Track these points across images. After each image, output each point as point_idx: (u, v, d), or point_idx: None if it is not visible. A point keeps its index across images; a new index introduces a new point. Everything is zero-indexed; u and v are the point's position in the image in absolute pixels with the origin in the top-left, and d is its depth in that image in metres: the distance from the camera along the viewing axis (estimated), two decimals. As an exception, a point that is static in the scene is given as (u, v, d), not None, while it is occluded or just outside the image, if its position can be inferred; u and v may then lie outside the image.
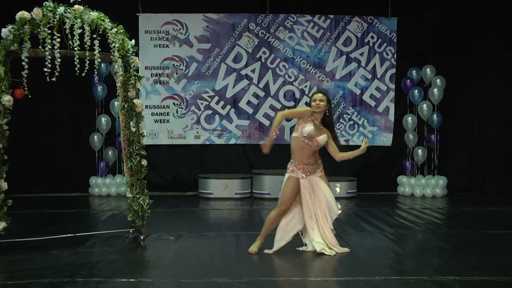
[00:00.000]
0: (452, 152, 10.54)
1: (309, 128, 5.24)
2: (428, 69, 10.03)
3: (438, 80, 9.96)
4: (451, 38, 10.24)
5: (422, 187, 10.03)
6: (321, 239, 5.33)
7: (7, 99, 5.19)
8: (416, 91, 10.04)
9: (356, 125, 10.50)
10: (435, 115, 10.02)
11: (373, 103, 10.49)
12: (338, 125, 10.45)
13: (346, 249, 5.42)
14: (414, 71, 10.14)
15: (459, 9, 10.09)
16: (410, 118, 10.15)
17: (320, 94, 5.34)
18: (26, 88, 5.26)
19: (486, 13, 10.00)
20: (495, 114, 10.36)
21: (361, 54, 10.45)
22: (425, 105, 9.98)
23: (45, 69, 5.18)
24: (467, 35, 10.20)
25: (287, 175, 5.37)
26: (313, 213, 5.36)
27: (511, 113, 10.21)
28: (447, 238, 6.37)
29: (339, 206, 5.54)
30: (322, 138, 5.29)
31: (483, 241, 6.15)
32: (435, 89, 9.94)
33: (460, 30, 10.18)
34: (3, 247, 5.41)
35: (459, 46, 10.27)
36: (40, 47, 5.26)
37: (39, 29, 5.16)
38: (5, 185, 5.31)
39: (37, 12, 5.09)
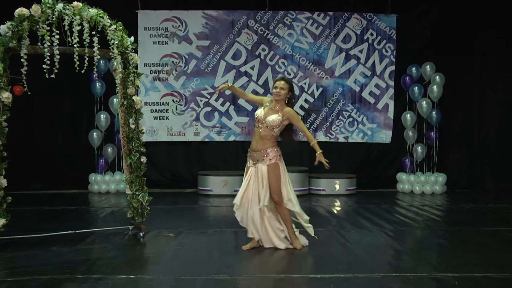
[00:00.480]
0: (451, 149, 10.55)
1: (257, 112, 5.33)
2: (428, 66, 10.03)
3: (438, 77, 9.96)
4: (451, 35, 10.22)
5: (421, 184, 10.05)
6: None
7: (6, 96, 5.19)
8: (416, 88, 10.05)
9: (355, 122, 10.50)
10: (434, 112, 10.03)
11: (372, 100, 10.48)
12: (338, 122, 10.45)
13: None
14: (414, 68, 10.14)
15: (459, 6, 10.07)
16: (409, 115, 10.16)
17: (282, 82, 5.25)
18: (25, 85, 5.26)
19: (486, 9, 9.97)
20: (494, 111, 10.35)
21: (361, 51, 10.43)
22: (424, 102, 9.98)
23: (44, 66, 5.18)
24: (467, 32, 10.17)
25: None
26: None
27: (511, 111, 10.20)
28: (446, 235, 6.39)
29: (265, 204, 5.26)
30: (271, 117, 5.17)
31: (482, 238, 6.16)
32: (435, 86, 9.94)
33: (460, 26, 10.16)
34: (3, 244, 5.42)
35: (459, 43, 10.25)
36: (39, 44, 5.26)
37: (38, 26, 5.16)
38: (4, 182, 5.31)
39: (36, 8, 5.08)
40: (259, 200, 5.24)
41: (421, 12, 10.40)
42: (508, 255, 5.32)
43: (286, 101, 5.26)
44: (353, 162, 10.58)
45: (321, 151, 5.18)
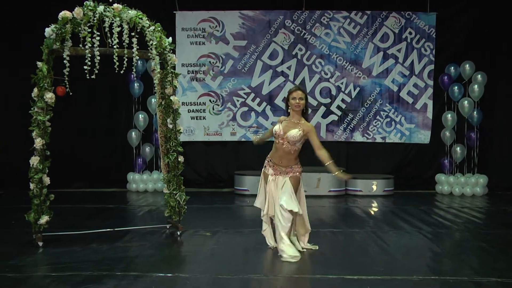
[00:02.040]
0: (493, 150, 10.31)
1: (276, 127, 5.18)
2: (467, 65, 9.82)
3: (479, 76, 9.74)
4: (492, 32, 9.98)
5: (461, 186, 9.85)
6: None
7: (50, 96, 5.33)
8: (456, 87, 9.85)
9: (393, 122, 10.37)
10: (475, 112, 9.82)
11: (410, 100, 10.33)
12: (375, 122, 10.34)
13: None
14: (452, 67, 9.95)
15: (500, 2, 9.82)
16: (450, 115, 9.96)
17: (299, 92, 5.11)
18: (67, 86, 5.38)
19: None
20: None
21: (399, 50, 10.30)
22: (466, 102, 9.78)
23: (85, 67, 5.29)
24: (509, 29, 9.91)
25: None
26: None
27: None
28: (487, 238, 6.23)
29: (277, 210, 5.10)
30: (292, 132, 5.04)
31: (525, 242, 6.01)
32: (475, 86, 9.73)
33: (502, 24, 9.91)
34: (46, 240, 5.56)
35: (501, 41, 10.00)
36: (80, 45, 5.37)
37: (80, 28, 5.27)
38: (47, 180, 5.46)
39: (78, 11, 5.20)
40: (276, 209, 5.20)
41: (461, 9, 10.20)
42: (552, 260, 5.17)
43: (304, 110, 5.18)
44: (391, 163, 10.46)
45: (338, 170, 5.06)
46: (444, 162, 10.13)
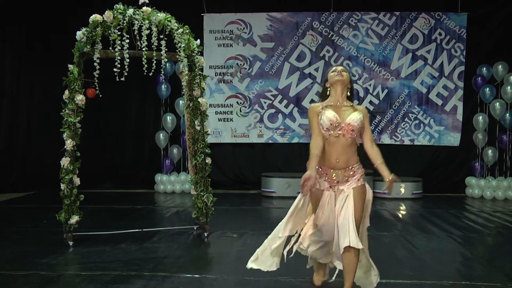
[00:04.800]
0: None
1: (327, 115, 3.77)
2: (500, 66, 9.65)
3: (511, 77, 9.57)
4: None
5: (492, 189, 9.67)
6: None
7: (80, 98, 5.42)
8: (488, 89, 9.68)
9: (421, 125, 10.24)
10: (507, 114, 9.63)
11: (440, 102, 10.19)
12: (403, 125, 10.23)
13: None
14: (485, 68, 9.79)
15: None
16: (481, 117, 9.80)
17: (338, 66, 3.94)
18: (97, 88, 5.46)
19: None
20: None
21: (428, 52, 10.17)
22: (498, 103, 9.61)
23: (115, 70, 5.36)
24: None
25: None
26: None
27: None
28: (520, 243, 6.12)
29: (353, 240, 3.62)
30: (353, 116, 3.77)
31: (559, 247, 5.87)
32: (508, 87, 9.55)
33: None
34: (77, 239, 5.66)
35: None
36: (110, 48, 5.45)
37: (109, 31, 5.35)
38: (77, 181, 5.55)
39: (108, 14, 5.28)
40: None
41: (493, 9, 10.02)
42: None
43: (348, 91, 3.92)
44: (419, 166, 10.33)
45: (390, 174, 3.78)
46: (475, 165, 9.96)
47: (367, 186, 3.89)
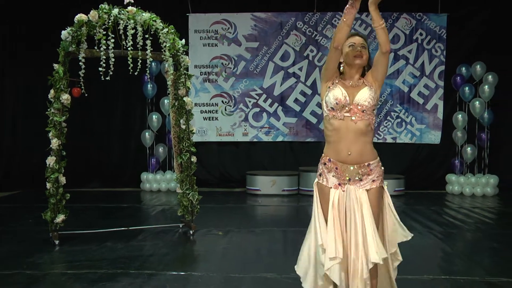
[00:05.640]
0: (503, 150, 10.20)
1: (335, 92, 3.05)
2: (478, 65, 9.75)
3: (490, 76, 9.67)
4: (503, 34, 9.88)
5: (471, 186, 9.78)
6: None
7: (66, 97, 5.37)
8: (467, 88, 9.78)
9: (403, 123, 10.32)
10: (486, 113, 9.74)
11: (421, 101, 10.28)
12: (386, 123, 10.30)
13: None
14: (464, 68, 9.89)
15: (511, 4, 9.74)
16: (460, 115, 9.90)
17: (360, 38, 3.13)
18: (82, 87, 5.43)
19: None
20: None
21: (409, 51, 10.25)
22: (477, 102, 9.71)
23: (100, 69, 5.33)
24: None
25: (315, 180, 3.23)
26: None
27: None
28: (499, 238, 6.19)
29: (384, 255, 3.01)
30: (362, 94, 3.03)
31: (537, 242, 5.96)
32: (486, 86, 9.66)
33: (512, 25, 9.84)
34: (62, 238, 5.61)
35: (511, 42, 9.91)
36: (95, 47, 5.41)
37: (95, 31, 5.30)
38: (63, 180, 5.51)
39: (93, 14, 5.24)
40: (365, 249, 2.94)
41: (473, 10, 10.11)
42: None
43: (365, 67, 3.16)
44: (402, 163, 10.39)
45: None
46: (455, 162, 10.06)
47: (386, 190, 3.13)
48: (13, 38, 9.92)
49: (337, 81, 3.10)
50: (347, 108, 3.00)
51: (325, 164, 3.11)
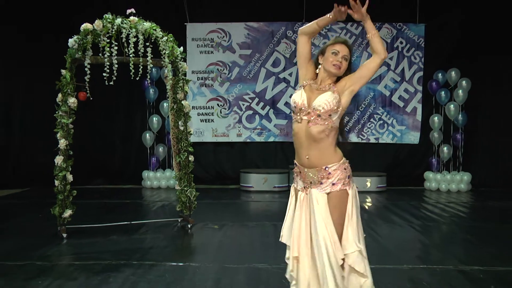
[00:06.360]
0: (476, 150, 10.27)
1: (294, 96, 2.92)
2: (453, 72, 9.81)
3: (464, 82, 9.73)
4: (476, 42, 9.94)
5: (447, 183, 9.84)
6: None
7: (72, 101, 5.37)
8: (443, 92, 9.85)
9: (385, 125, 10.37)
10: (460, 115, 9.81)
11: (401, 104, 10.33)
12: (369, 124, 10.34)
13: None
14: (440, 74, 9.94)
15: (483, 16, 9.79)
16: (436, 118, 9.96)
17: (345, 47, 2.92)
18: (88, 91, 5.42)
19: (509, 21, 9.67)
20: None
21: (391, 58, 10.29)
22: (452, 105, 9.78)
23: (104, 74, 5.32)
24: (493, 40, 9.87)
25: None
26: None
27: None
28: (471, 230, 6.24)
29: (339, 257, 2.76)
30: (321, 99, 2.81)
31: (506, 234, 6.01)
32: (460, 91, 9.73)
33: (484, 35, 9.87)
34: (70, 232, 5.60)
35: (483, 50, 9.96)
36: (100, 54, 5.40)
37: (99, 39, 5.29)
38: (70, 177, 5.50)
39: (98, 23, 5.23)
40: (324, 253, 2.74)
41: (447, 21, 10.15)
42: (531, 250, 5.17)
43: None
44: (384, 162, 10.44)
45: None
46: (432, 161, 10.12)
47: (351, 192, 2.83)
48: (22, 38, 9.73)
49: (305, 83, 2.94)
50: (305, 112, 2.83)
51: (293, 168, 3.01)
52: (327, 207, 2.77)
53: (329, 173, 2.80)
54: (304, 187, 2.89)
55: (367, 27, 2.83)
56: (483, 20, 9.82)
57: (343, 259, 2.77)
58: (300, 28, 2.97)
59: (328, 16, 2.86)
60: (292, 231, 2.94)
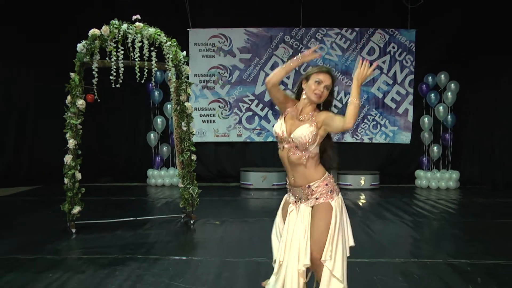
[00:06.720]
0: (464, 149, 10.28)
1: (275, 126, 2.99)
2: (443, 75, 9.82)
3: (453, 84, 9.75)
4: (464, 48, 9.95)
5: (437, 180, 9.85)
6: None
7: (81, 103, 5.37)
8: (433, 94, 9.86)
9: (378, 125, 10.37)
10: (449, 116, 9.82)
11: (393, 106, 10.33)
12: (363, 125, 10.34)
13: None
14: (430, 77, 9.95)
15: (471, 22, 9.80)
16: (426, 118, 9.98)
17: (328, 76, 2.87)
18: (96, 94, 5.42)
19: (496, 26, 9.68)
20: (504, 115, 10.03)
21: (384, 62, 10.29)
22: (441, 107, 9.79)
23: (111, 77, 5.32)
24: (480, 44, 9.88)
25: None
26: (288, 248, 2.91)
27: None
28: (460, 226, 6.26)
29: (305, 263, 2.80)
30: (299, 131, 2.82)
31: (493, 229, 6.02)
32: (449, 93, 9.75)
33: (473, 40, 9.88)
34: (78, 227, 5.61)
35: (471, 55, 9.97)
36: (107, 58, 5.41)
37: (106, 43, 5.31)
38: (79, 176, 5.50)
39: (105, 29, 5.24)
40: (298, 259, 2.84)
41: (437, 27, 10.15)
42: (517, 245, 5.19)
43: (321, 107, 2.95)
44: (377, 161, 10.45)
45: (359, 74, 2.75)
46: (423, 159, 10.13)
47: (334, 203, 2.87)
48: (31, 38, 9.57)
49: (287, 112, 2.96)
50: (285, 141, 2.88)
51: (287, 186, 3.05)
52: (309, 219, 2.84)
53: (312, 190, 2.86)
54: (295, 201, 2.95)
55: (354, 91, 2.69)
56: (471, 26, 9.82)
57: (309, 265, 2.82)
58: (267, 80, 2.90)
59: (296, 58, 2.86)
60: (280, 238, 3.02)
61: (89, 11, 9.18)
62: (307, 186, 2.86)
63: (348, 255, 2.95)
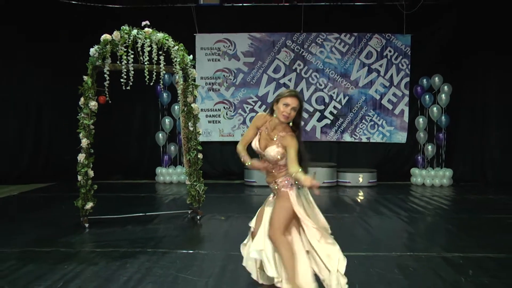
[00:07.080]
0: (457, 148, 10.25)
1: (253, 142, 3.42)
2: (436, 78, 9.81)
3: (446, 87, 9.73)
4: (458, 51, 9.92)
5: (431, 178, 9.83)
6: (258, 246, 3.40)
7: (93, 104, 5.40)
8: (427, 96, 9.84)
9: (376, 125, 10.36)
10: (443, 117, 9.81)
11: (390, 107, 10.32)
12: (361, 125, 10.33)
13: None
14: (424, 79, 9.94)
15: (464, 27, 9.79)
16: (421, 119, 9.97)
17: (296, 100, 3.15)
18: (107, 95, 5.44)
19: (487, 32, 9.67)
20: (495, 115, 10.01)
21: (381, 66, 10.28)
22: (435, 108, 9.78)
23: (122, 80, 5.35)
24: (471, 49, 9.86)
25: None
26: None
27: (508, 115, 9.88)
28: (453, 221, 6.25)
29: (259, 248, 3.35)
30: (269, 150, 3.23)
31: (484, 224, 6.01)
32: (443, 95, 9.72)
33: (465, 45, 9.85)
34: (91, 222, 5.64)
35: (463, 58, 9.95)
36: (118, 62, 5.43)
37: (117, 48, 5.32)
38: (91, 173, 5.53)
39: (116, 34, 5.26)
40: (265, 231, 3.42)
41: (431, 32, 10.14)
42: (505, 239, 5.17)
43: (290, 124, 3.24)
44: (374, 159, 10.43)
45: (305, 176, 2.93)
46: (418, 158, 10.11)
47: (291, 192, 3.22)
48: (39, 38, 9.45)
49: (265, 128, 3.34)
50: (261, 154, 3.35)
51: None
52: (274, 205, 3.31)
53: (278, 184, 3.29)
54: (273, 194, 3.40)
55: (299, 176, 2.99)
56: (464, 30, 9.82)
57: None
58: (237, 149, 3.50)
59: (247, 163, 3.35)
60: (258, 218, 3.51)
61: (109, 23, 9.16)
62: (275, 181, 3.31)
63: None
